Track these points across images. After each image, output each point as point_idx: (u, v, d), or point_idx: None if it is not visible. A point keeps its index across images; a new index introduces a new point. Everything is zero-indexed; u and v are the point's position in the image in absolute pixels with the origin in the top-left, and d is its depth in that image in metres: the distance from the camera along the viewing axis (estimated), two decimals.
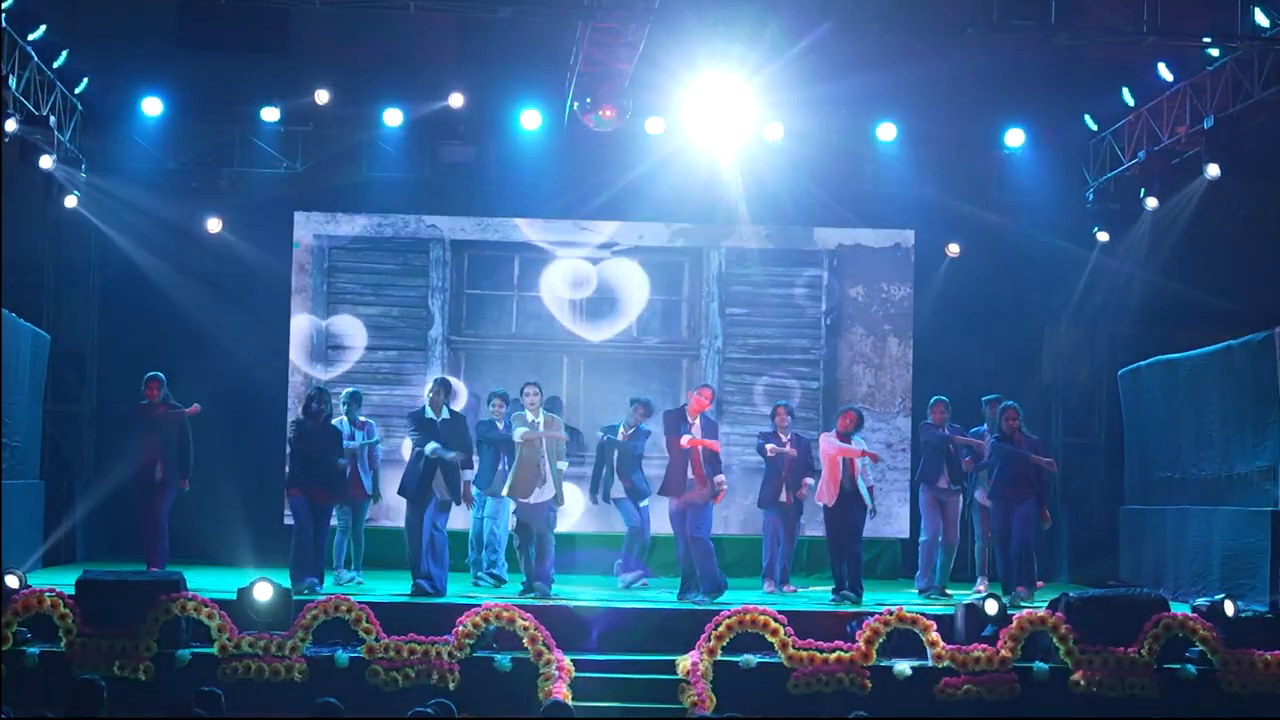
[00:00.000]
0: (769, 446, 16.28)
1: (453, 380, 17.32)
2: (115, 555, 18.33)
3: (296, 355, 19.58)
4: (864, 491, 15.89)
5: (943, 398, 16.79)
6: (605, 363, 19.79)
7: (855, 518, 15.92)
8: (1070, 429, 20.45)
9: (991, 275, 19.94)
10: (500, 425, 16.12)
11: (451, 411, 15.57)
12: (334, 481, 15.68)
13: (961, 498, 16.72)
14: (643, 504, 16.79)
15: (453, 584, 15.59)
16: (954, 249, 19.93)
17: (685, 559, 15.54)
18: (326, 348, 19.68)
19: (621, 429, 16.86)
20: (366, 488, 16.53)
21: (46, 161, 17.54)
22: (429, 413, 15.37)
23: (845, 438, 15.91)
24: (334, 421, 16.15)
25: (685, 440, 15.38)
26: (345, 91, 19.06)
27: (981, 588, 16.46)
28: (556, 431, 15.42)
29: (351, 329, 19.76)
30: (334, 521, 16.23)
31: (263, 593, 13.48)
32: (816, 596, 16.18)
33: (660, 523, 16.54)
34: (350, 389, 17.04)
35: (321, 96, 18.78)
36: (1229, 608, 13.95)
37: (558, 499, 15.48)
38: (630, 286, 19.94)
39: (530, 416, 15.35)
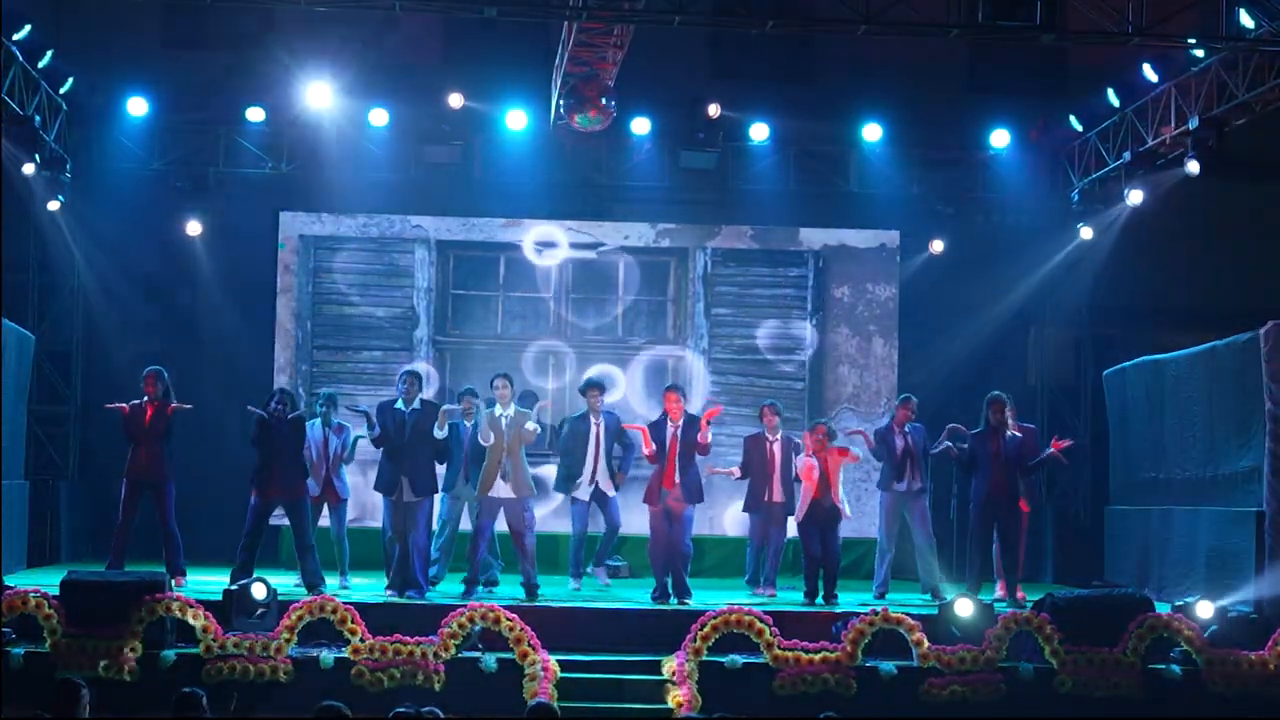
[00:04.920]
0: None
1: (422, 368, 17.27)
2: (100, 556, 18.26)
3: (282, 356, 19.54)
4: (842, 499, 15.93)
5: (908, 396, 16.83)
6: (591, 363, 19.74)
7: (833, 527, 15.93)
8: (1055, 429, 20.42)
9: (977, 276, 19.97)
10: (469, 423, 15.86)
11: (423, 401, 15.37)
12: (293, 480, 15.45)
13: (926, 498, 16.68)
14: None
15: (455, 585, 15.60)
16: (938, 245, 19.96)
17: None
18: (312, 348, 19.64)
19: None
20: (343, 493, 16.20)
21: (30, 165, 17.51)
22: (400, 404, 15.19)
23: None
24: (308, 422, 15.92)
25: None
26: (331, 92, 19.03)
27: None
28: (524, 425, 15.13)
29: (337, 329, 19.73)
30: (325, 523, 16.09)
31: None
32: (797, 597, 16.14)
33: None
34: (326, 391, 16.91)
35: (324, 94, 18.60)
36: (1201, 610, 13.99)
37: (530, 494, 15.31)
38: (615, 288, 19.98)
39: (500, 410, 15.24)
